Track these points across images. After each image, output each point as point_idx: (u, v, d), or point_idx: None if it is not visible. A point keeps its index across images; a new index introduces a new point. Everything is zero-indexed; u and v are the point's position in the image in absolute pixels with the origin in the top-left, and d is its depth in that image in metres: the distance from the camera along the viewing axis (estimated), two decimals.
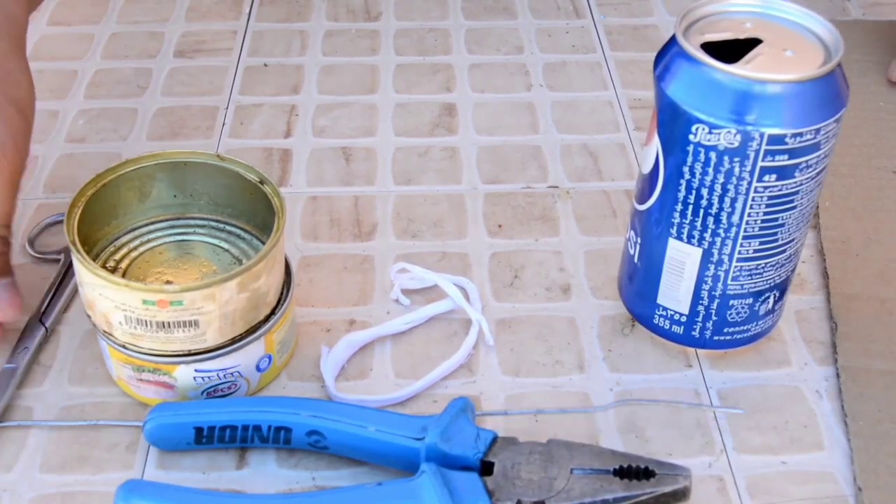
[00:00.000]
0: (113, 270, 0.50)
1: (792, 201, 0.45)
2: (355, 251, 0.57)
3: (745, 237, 0.46)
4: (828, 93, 0.43)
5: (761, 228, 0.45)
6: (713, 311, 0.48)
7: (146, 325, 0.45)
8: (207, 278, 0.45)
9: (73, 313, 0.53)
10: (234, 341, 0.47)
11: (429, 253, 0.57)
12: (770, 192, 0.44)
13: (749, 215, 0.45)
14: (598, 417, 0.49)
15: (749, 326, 0.49)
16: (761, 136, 0.42)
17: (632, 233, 0.50)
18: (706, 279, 0.47)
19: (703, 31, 0.46)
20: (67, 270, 0.54)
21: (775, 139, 0.43)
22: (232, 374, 0.48)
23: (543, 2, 0.78)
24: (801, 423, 0.49)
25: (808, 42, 0.45)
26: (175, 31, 0.74)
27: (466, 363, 0.51)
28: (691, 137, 0.44)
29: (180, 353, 0.46)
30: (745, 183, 0.44)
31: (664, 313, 0.49)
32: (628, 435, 0.48)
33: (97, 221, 0.50)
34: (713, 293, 0.48)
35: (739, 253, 0.46)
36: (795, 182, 0.44)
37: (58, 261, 0.55)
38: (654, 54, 0.46)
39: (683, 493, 0.43)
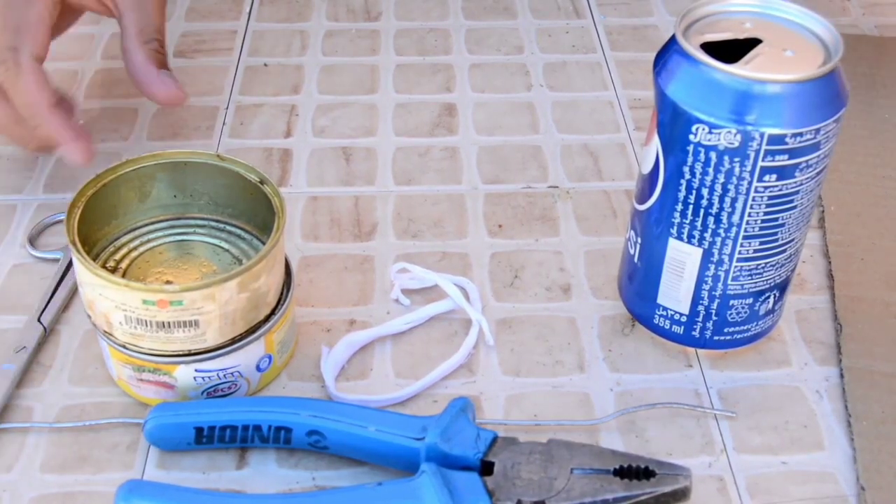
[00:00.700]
0: (113, 270, 0.50)
1: (792, 201, 0.45)
2: (355, 251, 0.57)
3: (745, 237, 0.46)
4: (828, 93, 0.43)
5: (761, 228, 0.45)
6: (713, 311, 0.48)
7: (146, 325, 0.45)
8: (207, 278, 0.45)
9: (72, 313, 0.53)
10: (234, 341, 0.47)
11: (429, 253, 0.57)
12: (770, 192, 0.44)
13: (749, 215, 0.45)
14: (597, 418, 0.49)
15: (749, 326, 0.49)
16: (761, 136, 0.42)
17: (632, 233, 0.50)
18: (706, 279, 0.47)
19: (702, 31, 0.46)
20: (67, 270, 0.54)
21: (775, 139, 0.43)
22: (232, 374, 0.48)
23: (543, 2, 0.78)
24: (802, 423, 0.49)
25: (808, 42, 0.45)
26: (175, 31, 0.74)
27: (466, 363, 0.51)
28: (691, 137, 0.44)
29: (180, 353, 0.46)
30: (745, 183, 0.44)
31: (664, 313, 0.49)
32: (628, 435, 0.48)
33: (97, 221, 0.50)
34: (713, 293, 0.48)
35: (739, 253, 0.46)
36: (796, 182, 0.44)
37: (57, 261, 0.55)
38: (654, 54, 0.46)
39: (683, 493, 0.43)
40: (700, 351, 0.52)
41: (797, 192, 0.45)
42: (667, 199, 0.46)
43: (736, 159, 0.43)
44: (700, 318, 0.49)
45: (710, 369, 0.51)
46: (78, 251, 0.45)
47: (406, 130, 0.66)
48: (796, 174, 0.44)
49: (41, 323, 0.52)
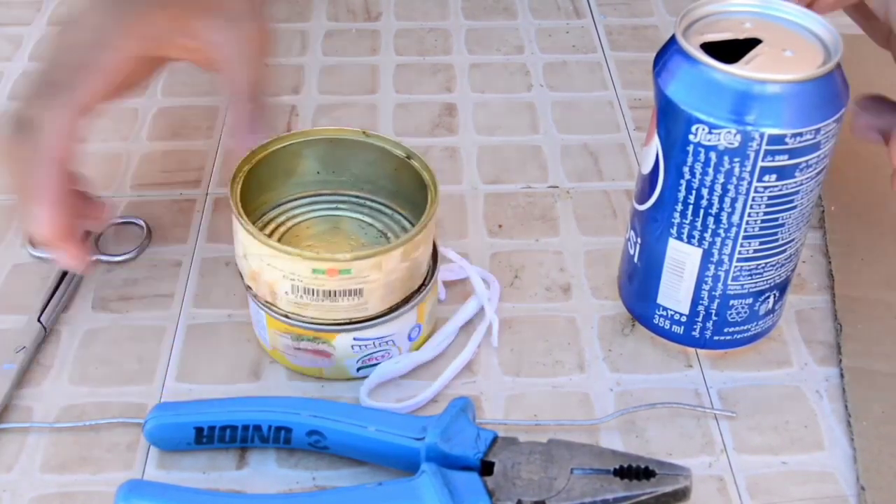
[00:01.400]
0: None
1: (792, 201, 0.45)
2: None
3: (745, 237, 0.46)
4: (828, 92, 0.43)
5: (761, 228, 0.45)
6: (713, 311, 0.48)
7: (313, 294, 0.46)
8: (371, 248, 0.46)
9: (72, 313, 0.53)
10: (392, 310, 0.48)
11: None
12: (770, 192, 0.44)
13: (749, 215, 0.45)
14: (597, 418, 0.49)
15: (749, 326, 0.49)
16: (761, 136, 0.42)
17: (632, 233, 0.50)
18: (706, 279, 0.47)
19: (702, 31, 0.46)
20: (66, 270, 0.54)
21: (775, 139, 0.43)
22: (387, 342, 0.49)
23: (543, 2, 0.78)
24: (802, 423, 0.49)
25: (808, 42, 0.45)
26: None
27: (466, 363, 0.51)
28: (691, 137, 0.44)
29: (342, 321, 0.47)
30: (745, 183, 0.44)
31: (664, 313, 0.49)
32: (628, 435, 0.48)
33: (249, 196, 0.50)
34: (713, 293, 0.48)
35: (739, 253, 0.46)
36: (795, 182, 0.44)
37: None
38: (654, 54, 0.46)
39: (683, 493, 0.43)
40: (700, 351, 0.52)
41: (797, 192, 0.45)
42: (667, 200, 0.46)
43: (736, 159, 0.43)
44: (700, 318, 0.49)
45: (710, 369, 0.51)
46: (245, 222, 0.46)
47: (406, 130, 0.66)
48: (796, 174, 0.44)
49: (41, 323, 0.52)
